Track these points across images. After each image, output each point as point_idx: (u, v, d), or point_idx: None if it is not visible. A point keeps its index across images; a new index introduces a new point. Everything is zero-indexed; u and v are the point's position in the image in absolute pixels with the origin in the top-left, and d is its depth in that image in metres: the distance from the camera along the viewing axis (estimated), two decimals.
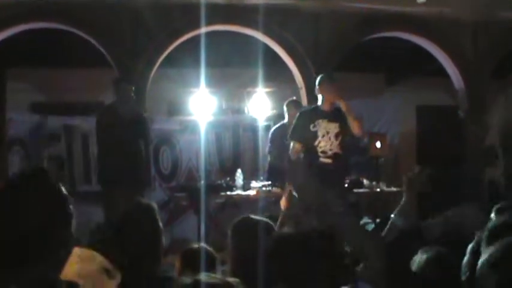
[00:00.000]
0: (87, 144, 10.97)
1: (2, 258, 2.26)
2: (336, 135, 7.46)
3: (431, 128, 13.77)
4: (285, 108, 9.58)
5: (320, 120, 7.49)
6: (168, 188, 10.93)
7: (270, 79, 11.59)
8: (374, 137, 9.93)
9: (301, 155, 7.59)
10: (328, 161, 7.40)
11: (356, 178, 9.08)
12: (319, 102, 7.69)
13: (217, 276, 2.47)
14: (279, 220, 7.28)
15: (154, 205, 3.71)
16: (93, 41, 10.70)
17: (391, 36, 11.82)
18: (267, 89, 11.91)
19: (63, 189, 2.43)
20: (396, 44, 12.01)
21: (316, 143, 7.43)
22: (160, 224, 3.64)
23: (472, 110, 11.87)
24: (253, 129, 11.24)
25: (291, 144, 7.60)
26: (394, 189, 9.41)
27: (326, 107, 7.57)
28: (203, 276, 2.38)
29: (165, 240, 9.05)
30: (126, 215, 3.70)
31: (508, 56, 11.97)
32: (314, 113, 7.65)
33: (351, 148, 7.88)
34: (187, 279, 2.36)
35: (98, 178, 9.87)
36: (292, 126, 7.72)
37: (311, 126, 7.52)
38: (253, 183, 8.85)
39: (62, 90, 13.08)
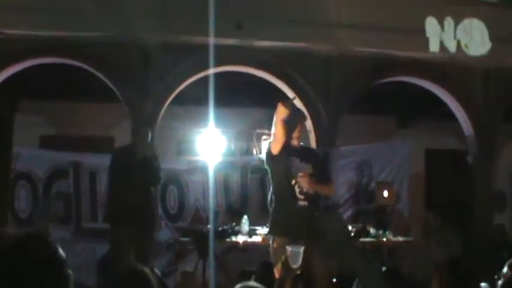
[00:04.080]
0: (94, 181, 10.92)
1: None
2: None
3: (440, 173, 13.70)
4: None
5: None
6: (175, 228, 10.88)
7: None
8: (381, 186, 9.85)
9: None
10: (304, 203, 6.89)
11: (362, 226, 9.00)
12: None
13: None
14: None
15: (148, 272, 3.62)
16: (103, 78, 10.75)
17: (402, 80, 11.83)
18: None
19: (61, 252, 2.45)
20: (408, 87, 12.00)
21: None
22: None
23: (481, 156, 11.81)
24: (261, 171, 11.15)
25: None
26: (400, 239, 9.30)
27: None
28: None
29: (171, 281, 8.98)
30: (120, 282, 3.62)
31: None
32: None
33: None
34: None
35: (106, 216, 9.94)
36: None
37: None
38: (259, 230, 8.77)
39: (72, 124, 13.13)
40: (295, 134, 7.04)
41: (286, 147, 6.95)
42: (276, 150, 6.90)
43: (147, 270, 3.59)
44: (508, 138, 13.22)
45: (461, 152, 12.29)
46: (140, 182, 8.64)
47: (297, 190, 6.91)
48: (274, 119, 6.81)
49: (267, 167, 7.16)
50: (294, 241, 6.66)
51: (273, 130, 6.88)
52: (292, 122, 6.94)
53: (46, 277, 2.35)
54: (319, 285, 6.79)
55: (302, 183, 6.85)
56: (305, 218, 6.79)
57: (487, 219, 11.85)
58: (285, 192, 6.98)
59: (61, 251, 2.44)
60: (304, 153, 7.12)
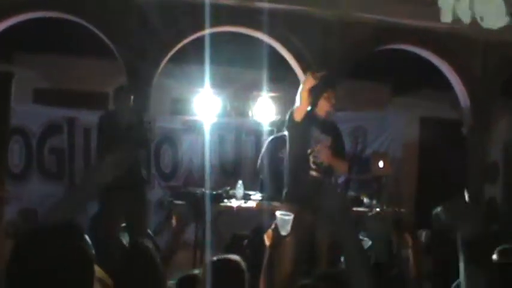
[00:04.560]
0: (89, 137, 10.83)
1: None
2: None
3: (435, 141, 13.69)
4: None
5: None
6: (168, 187, 10.85)
7: (276, 81, 11.49)
8: (376, 156, 9.84)
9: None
10: (317, 174, 7.07)
11: (356, 196, 9.00)
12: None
13: None
14: (264, 261, 7.13)
15: (150, 245, 3.58)
16: (99, 34, 10.66)
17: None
18: (273, 94, 11.79)
19: (90, 249, 2.35)
20: (405, 54, 11.94)
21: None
22: (160, 263, 3.54)
23: (476, 127, 11.81)
24: (256, 133, 11.12)
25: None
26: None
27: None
28: None
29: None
30: (122, 261, 3.58)
31: None
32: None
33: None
34: None
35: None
36: None
37: None
38: (253, 195, 8.76)
39: (66, 78, 13.05)
40: (323, 103, 7.14)
41: (309, 116, 7.05)
42: (298, 116, 7.01)
43: (149, 246, 3.57)
44: (503, 111, 13.22)
45: (457, 122, 12.29)
46: (125, 145, 8.55)
47: (311, 160, 7.02)
48: (301, 87, 6.95)
49: (286, 132, 7.25)
50: (304, 210, 6.77)
51: (297, 97, 6.96)
52: (318, 92, 7.07)
53: (72, 277, 2.25)
54: (325, 257, 6.91)
55: (321, 153, 6.98)
56: (316, 188, 6.84)
57: (479, 190, 11.88)
58: (299, 159, 7.10)
59: (91, 249, 2.34)
60: (327, 125, 7.20)
